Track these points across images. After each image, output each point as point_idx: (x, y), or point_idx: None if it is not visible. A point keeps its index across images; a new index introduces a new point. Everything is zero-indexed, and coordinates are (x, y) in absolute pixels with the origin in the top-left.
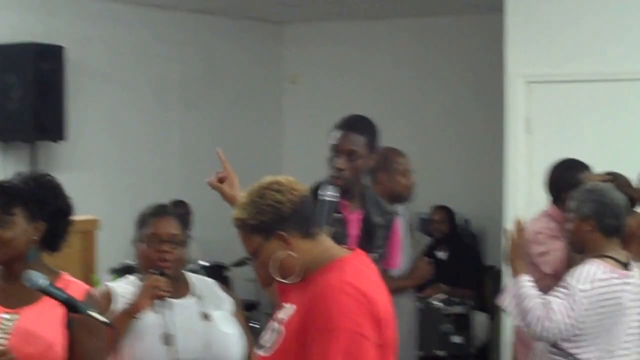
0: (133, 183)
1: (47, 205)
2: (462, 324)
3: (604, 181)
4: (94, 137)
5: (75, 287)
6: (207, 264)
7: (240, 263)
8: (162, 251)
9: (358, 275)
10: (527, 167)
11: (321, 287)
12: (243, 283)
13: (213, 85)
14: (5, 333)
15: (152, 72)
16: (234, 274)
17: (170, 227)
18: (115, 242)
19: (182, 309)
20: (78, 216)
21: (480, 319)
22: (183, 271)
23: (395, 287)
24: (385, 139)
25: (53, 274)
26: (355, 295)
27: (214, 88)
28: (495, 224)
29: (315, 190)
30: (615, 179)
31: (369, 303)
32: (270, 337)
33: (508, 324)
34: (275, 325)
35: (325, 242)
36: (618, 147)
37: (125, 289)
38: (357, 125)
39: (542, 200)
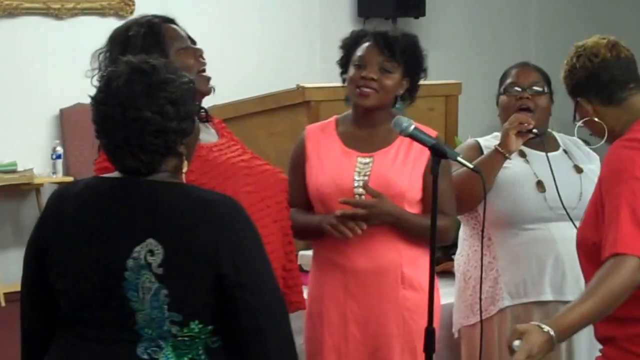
0: (487, 60)
1: (419, 63)
2: None
3: None
4: (451, 14)
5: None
6: None
7: None
8: (523, 98)
9: None
10: None
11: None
12: None
13: None
14: (364, 175)
15: None
16: None
17: (531, 76)
18: (474, 114)
19: (554, 161)
20: (442, 80)
21: None
22: (549, 130)
23: None
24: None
25: None
26: (632, 146)
27: None
28: None
29: None
30: None
31: None
32: None
33: None
34: None
35: (636, 105)
36: None
37: (491, 142)
38: None
39: None
